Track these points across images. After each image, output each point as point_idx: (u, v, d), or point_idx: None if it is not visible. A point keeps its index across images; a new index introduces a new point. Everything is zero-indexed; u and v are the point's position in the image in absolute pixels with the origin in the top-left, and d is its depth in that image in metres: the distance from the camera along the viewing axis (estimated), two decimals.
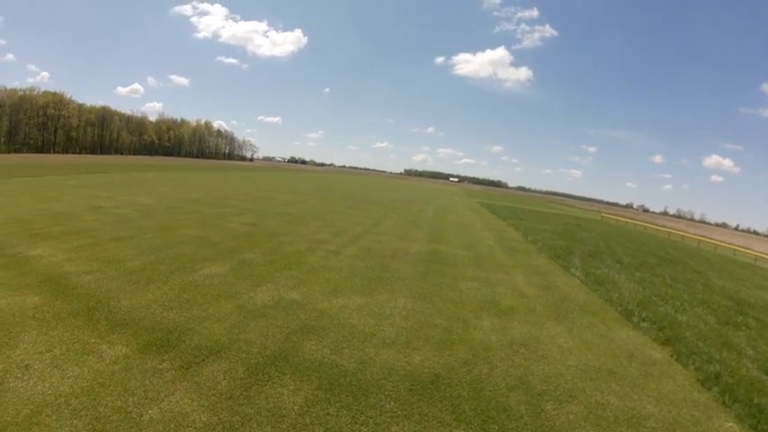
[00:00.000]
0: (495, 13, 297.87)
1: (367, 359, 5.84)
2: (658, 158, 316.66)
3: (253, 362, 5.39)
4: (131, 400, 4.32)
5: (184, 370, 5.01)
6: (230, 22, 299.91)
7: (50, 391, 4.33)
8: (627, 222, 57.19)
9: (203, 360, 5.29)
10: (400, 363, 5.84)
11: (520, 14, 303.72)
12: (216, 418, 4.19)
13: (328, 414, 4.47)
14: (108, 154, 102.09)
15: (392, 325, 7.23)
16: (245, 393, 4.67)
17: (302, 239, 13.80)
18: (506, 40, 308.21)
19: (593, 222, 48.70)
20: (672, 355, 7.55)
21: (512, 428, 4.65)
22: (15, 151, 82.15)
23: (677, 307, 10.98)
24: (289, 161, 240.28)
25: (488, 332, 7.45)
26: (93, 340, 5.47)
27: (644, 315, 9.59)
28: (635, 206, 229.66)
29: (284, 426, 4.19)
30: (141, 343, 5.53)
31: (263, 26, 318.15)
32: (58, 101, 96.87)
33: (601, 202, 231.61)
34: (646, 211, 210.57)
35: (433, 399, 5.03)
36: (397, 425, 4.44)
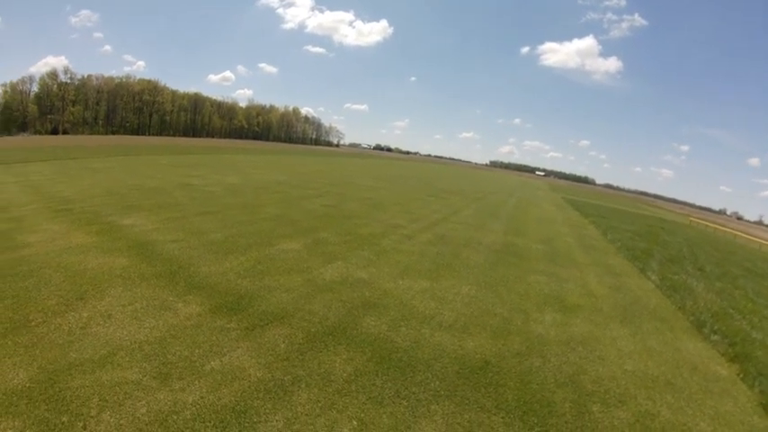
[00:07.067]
0: (581, 2, 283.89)
1: (421, 339, 5.97)
2: (755, 161, 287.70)
3: (312, 330, 5.74)
4: (197, 351, 4.82)
5: (249, 331, 5.46)
6: (316, 12, 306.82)
7: (127, 338, 4.93)
8: (716, 229, 52.22)
9: (267, 324, 5.72)
10: (453, 346, 5.91)
11: (606, 3, 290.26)
12: (269, 375, 4.56)
13: (374, 384, 4.68)
14: (200, 137, 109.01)
15: (452, 309, 7.30)
16: (300, 357, 5.00)
17: (378, 223, 14.09)
18: (594, 29, 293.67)
19: (680, 226, 45.18)
20: (738, 374, 6.90)
21: (552, 424, 4.54)
22: (113, 133, 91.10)
23: (754, 323, 10.03)
24: (374, 148, 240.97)
25: (548, 327, 7.29)
26: (171, 299, 6.10)
27: (716, 327, 8.87)
28: (728, 212, 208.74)
29: (330, 390, 4.46)
30: (214, 304, 6.08)
31: (349, 16, 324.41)
32: (152, 88, 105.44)
33: (692, 205, 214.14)
34: (739, 218, 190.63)
35: (478, 384, 5.06)
36: (438, 404, 4.54)
